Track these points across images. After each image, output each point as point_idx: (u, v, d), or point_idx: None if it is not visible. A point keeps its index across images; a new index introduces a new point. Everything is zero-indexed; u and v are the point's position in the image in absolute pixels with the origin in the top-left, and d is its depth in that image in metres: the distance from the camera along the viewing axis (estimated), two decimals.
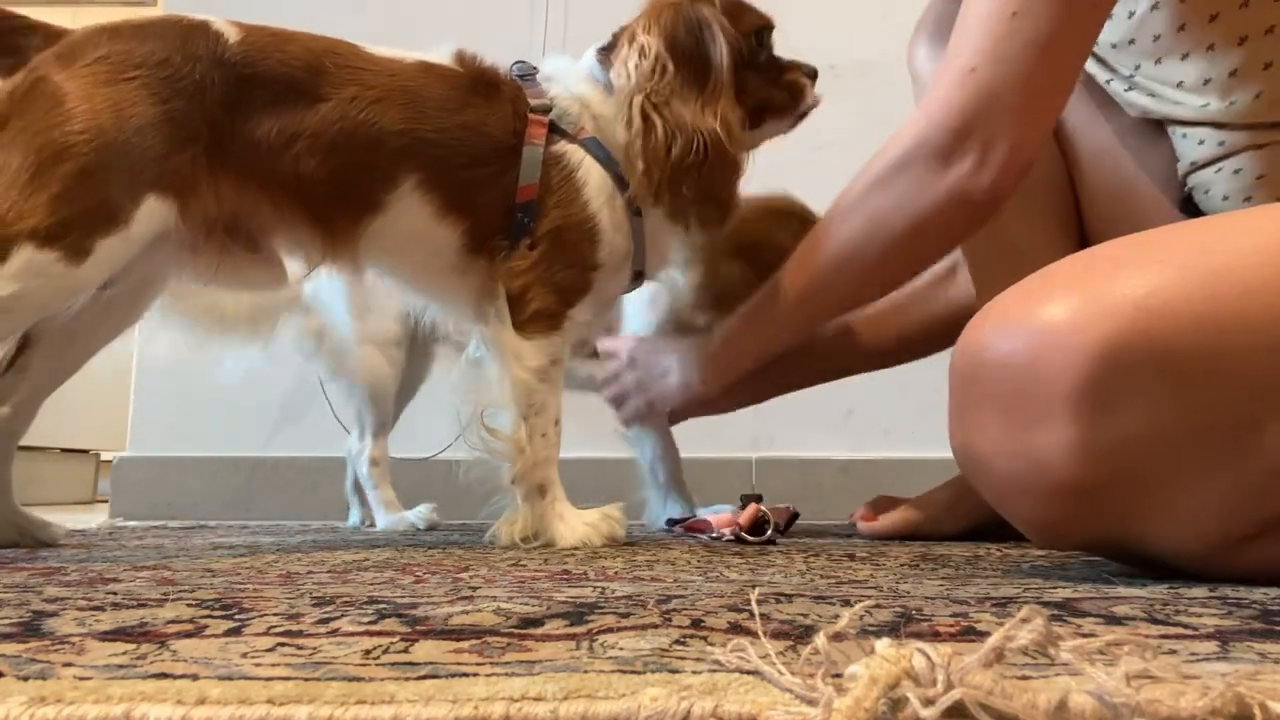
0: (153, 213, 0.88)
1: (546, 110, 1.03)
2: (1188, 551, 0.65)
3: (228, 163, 0.92)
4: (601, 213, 1.02)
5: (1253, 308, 0.59)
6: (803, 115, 1.14)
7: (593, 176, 1.03)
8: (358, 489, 1.51)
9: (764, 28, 1.10)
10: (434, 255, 1.02)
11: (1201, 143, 0.90)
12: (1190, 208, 0.95)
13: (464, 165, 1.00)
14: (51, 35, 0.92)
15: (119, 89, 0.87)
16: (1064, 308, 0.62)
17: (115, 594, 0.60)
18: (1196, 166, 0.92)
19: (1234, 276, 0.61)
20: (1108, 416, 0.60)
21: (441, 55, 1.04)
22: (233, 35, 0.93)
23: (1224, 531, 0.63)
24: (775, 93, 1.11)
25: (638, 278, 1.09)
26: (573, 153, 1.03)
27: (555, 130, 1.03)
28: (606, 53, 1.07)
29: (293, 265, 1.05)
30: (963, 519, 1.19)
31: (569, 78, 1.06)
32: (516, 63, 1.08)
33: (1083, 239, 1.13)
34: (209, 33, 0.93)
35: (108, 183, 0.85)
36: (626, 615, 0.49)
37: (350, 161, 0.96)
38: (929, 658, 0.29)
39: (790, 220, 1.30)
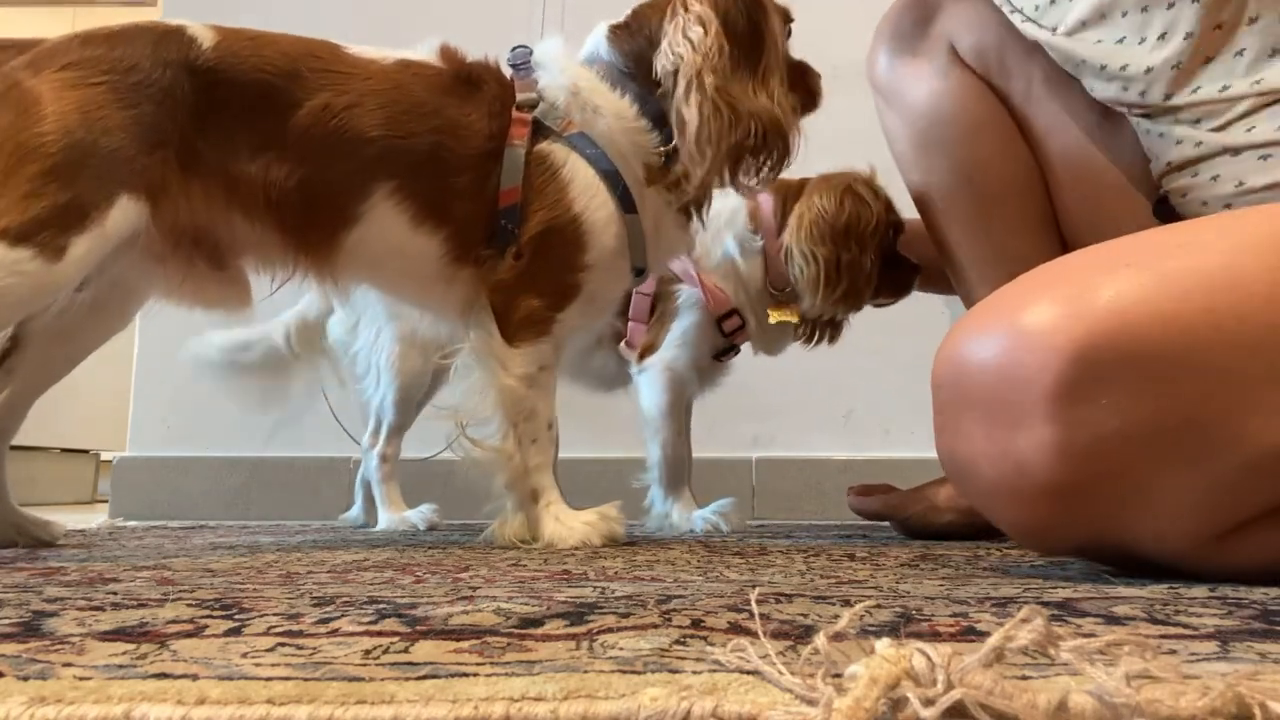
0: (125, 212, 0.87)
1: (532, 105, 1.00)
2: (1173, 549, 0.66)
3: (198, 168, 0.92)
4: (588, 212, 0.99)
5: (1219, 305, 0.61)
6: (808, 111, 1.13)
7: (579, 174, 0.99)
8: (367, 484, 1.51)
9: (788, 19, 1.08)
10: (415, 267, 1.00)
11: (1179, 143, 0.89)
12: (1166, 211, 0.94)
13: (438, 171, 0.97)
14: (26, 51, 0.92)
15: (86, 93, 0.87)
16: (1039, 313, 0.63)
17: (115, 594, 0.60)
18: (1172, 168, 0.92)
19: (1200, 277, 0.62)
20: (1085, 416, 0.61)
21: (425, 51, 1.01)
22: (207, 40, 0.93)
23: (1207, 528, 0.64)
24: (803, 91, 1.11)
25: (639, 274, 1.07)
26: (557, 151, 0.99)
27: (540, 127, 1.00)
28: (622, 31, 1.03)
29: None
30: (955, 514, 1.18)
31: (560, 64, 1.02)
32: (515, 48, 1.05)
33: (1063, 240, 1.13)
34: (182, 38, 0.92)
35: (76, 181, 0.85)
36: (626, 615, 0.49)
37: (323, 171, 0.94)
38: (929, 658, 0.29)
39: (869, 194, 1.31)
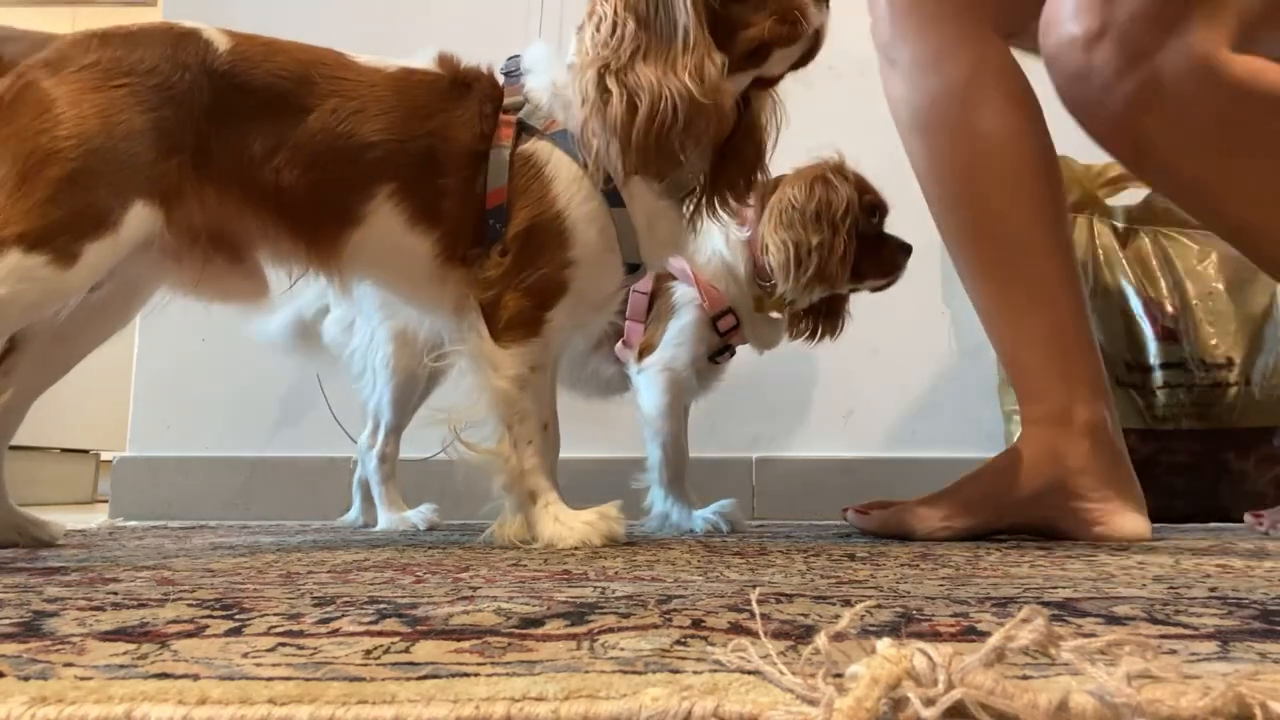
0: (140, 218, 0.87)
1: (518, 108, 1.01)
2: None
3: (213, 171, 0.92)
4: (571, 208, 0.99)
5: None
6: (815, 42, 1.02)
7: (561, 171, 0.99)
8: (364, 485, 1.51)
9: None
10: (412, 266, 1.01)
11: None
12: None
13: (432, 173, 0.98)
14: (38, 43, 0.91)
15: (107, 95, 0.87)
16: None
17: (115, 594, 0.60)
18: None
19: None
20: None
21: (424, 59, 1.03)
22: (222, 44, 0.93)
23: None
24: (770, 23, 0.99)
25: (634, 270, 1.06)
26: (541, 149, 1.00)
27: (525, 128, 1.00)
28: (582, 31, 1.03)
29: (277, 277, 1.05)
30: (953, 532, 1.16)
31: (544, 68, 1.03)
32: (509, 59, 1.06)
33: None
34: (199, 41, 0.92)
35: (94, 188, 0.85)
36: (627, 615, 0.49)
37: (330, 174, 0.95)
38: (930, 658, 0.29)
39: (838, 179, 1.33)
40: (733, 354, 1.40)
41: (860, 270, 1.33)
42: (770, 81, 1.06)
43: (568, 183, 0.99)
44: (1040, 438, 1.16)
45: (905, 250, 1.36)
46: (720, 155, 1.04)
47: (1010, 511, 1.15)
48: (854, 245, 1.31)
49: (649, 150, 0.95)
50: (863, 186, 1.34)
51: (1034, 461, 1.15)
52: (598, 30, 0.97)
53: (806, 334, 1.43)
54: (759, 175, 1.08)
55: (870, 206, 1.34)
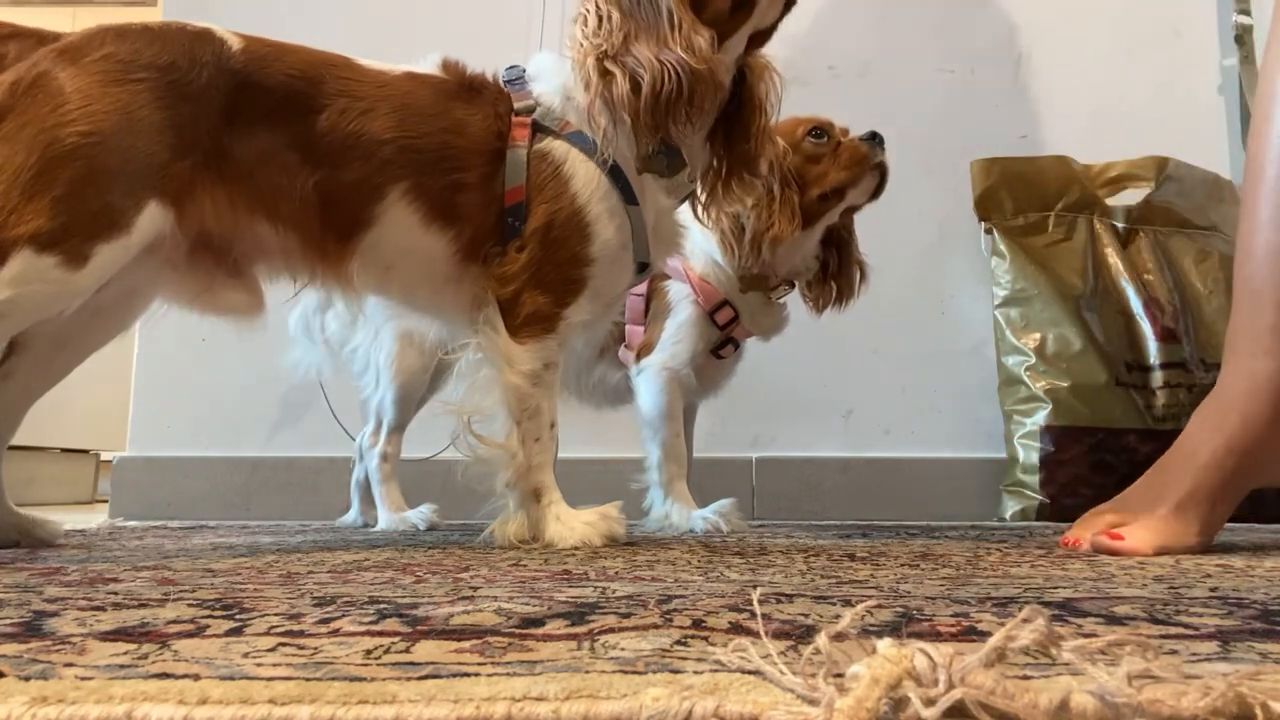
0: (152, 219, 0.87)
1: (530, 111, 1.02)
2: None
3: (224, 171, 0.92)
4: (590, 205, 1.00)
5: None
6: None
7: (579, 170, 1.01)
8: (363, 485, 1.51)
9: None
10: (427, 266, 1.01)
11: None
12: None
13: (447, 171, 0.99)
14: (44, 40, 0.91)
15: (126, 90, 0.86)
16: None
17: (116, 594, 0.60)
18: None
19: None
20: None
21: (428, 64, 1.04)
22: (236, 43, 0.93)
23: None
24: None
25: (642, 269, 1.07)
26: (557, 149, 1.01)
27: (540, 129, 1.02)
28: None
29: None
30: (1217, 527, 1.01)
31: (552, 73, 1.05)
32: (509, 68, 1.07)
33: None
34: (214, 39, 0.93)
35: (110, 187, 0.84)
36: (627, 615, 0.49)
37: (342, 173, 0.95)
38: (931, 658, 0.29)
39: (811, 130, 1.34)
40: (737, 346, 1.40)
41: (829, 184, 1.32)
42: (764, 35, 1.08)
43: (585, 180, 1.01)
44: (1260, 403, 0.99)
45: (870, 137, 1.33)
46: (726, 133, 1.07)
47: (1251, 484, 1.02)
48: (789, 191, 1.30)
49: (657, 120, 0.98)
50: (796, 121, 1.33)
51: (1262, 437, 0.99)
52: (586, 25, 1.01)
53: (826, 300, 1.41)
54: (766, 144, 1.10)
55: (810, 130, 1.33)
